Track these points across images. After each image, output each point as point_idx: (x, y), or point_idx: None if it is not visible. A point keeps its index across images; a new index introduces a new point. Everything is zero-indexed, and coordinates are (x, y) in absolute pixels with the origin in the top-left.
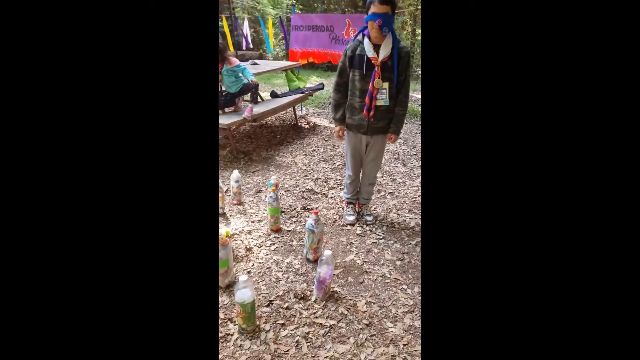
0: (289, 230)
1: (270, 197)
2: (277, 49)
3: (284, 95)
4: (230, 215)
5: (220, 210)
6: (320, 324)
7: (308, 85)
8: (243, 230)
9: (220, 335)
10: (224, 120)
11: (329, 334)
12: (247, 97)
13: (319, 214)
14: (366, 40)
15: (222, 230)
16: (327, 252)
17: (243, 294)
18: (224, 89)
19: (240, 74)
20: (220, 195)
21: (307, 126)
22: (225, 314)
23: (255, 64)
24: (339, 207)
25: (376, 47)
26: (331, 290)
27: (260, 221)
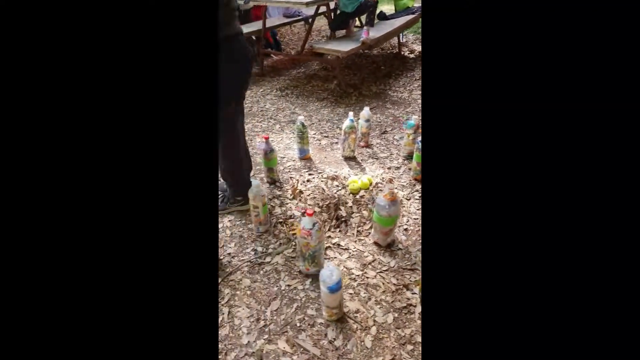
0: None
1: (420, 141)
2: None
3: (392, 17)
4: (361, 160)
5: (350, 154)
6: None
7: (416, 4)
8: (383, 178)
9: (401, 305)
10: (334, 46)
11: None
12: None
13: None
14: None
15: (364, 178)
16: None
17: None
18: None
19: None
20: (352, 136)
21: (411, 55)
22: (398, 280)
23: None
24: None
25: None
26: None
27: (398, 168)
